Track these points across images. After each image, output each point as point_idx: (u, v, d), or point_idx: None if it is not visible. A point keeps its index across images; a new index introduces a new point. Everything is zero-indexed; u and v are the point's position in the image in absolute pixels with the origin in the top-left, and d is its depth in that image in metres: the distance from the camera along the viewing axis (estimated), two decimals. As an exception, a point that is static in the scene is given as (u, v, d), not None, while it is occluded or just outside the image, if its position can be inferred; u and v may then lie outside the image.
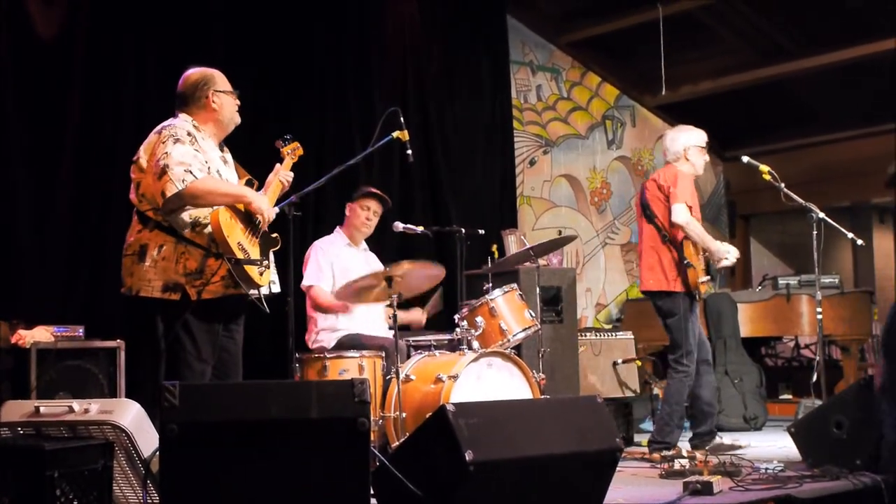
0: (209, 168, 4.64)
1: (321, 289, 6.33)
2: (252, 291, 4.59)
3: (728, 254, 6.49)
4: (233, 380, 4.75)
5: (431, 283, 6.14)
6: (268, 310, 4.62)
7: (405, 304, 6.58)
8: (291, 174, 5.07)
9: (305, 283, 6.40)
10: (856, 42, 9.63)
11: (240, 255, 4.50)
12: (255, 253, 4.61)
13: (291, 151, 5.17)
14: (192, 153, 4.56)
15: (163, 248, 4.55)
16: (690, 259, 6.40)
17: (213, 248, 4.52)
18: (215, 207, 4.53)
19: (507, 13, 9.88)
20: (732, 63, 10.52)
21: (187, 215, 4.54)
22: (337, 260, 6.44)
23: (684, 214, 6.40)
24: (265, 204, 4.70)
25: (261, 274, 4.61)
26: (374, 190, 6.70)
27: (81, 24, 6.75)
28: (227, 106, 4.84)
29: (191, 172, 4.47)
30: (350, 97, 8.24)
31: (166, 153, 4.52)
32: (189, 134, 4.65)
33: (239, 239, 4.55)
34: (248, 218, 4.66)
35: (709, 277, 6.47)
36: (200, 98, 4.79)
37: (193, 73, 4.87)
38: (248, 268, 4.53)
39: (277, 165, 5.07)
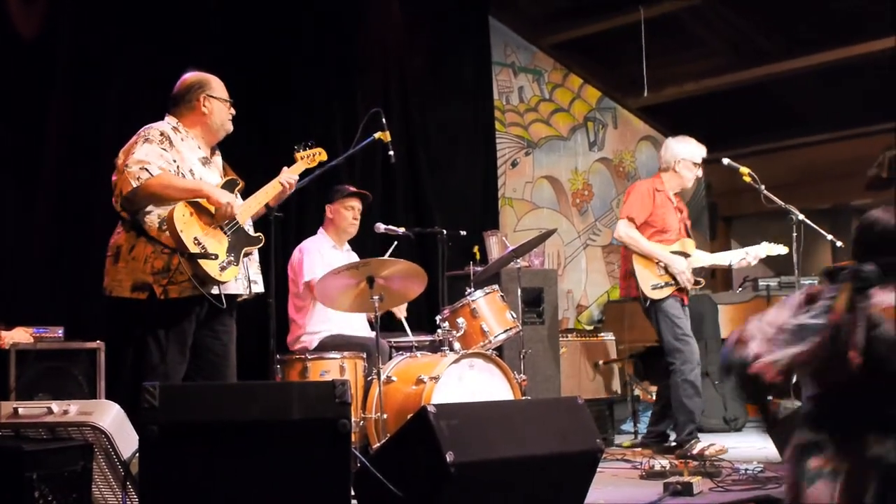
0: (178, 167, 4.67)
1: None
2: (213, 290, 4.60)
3: (683, 270, 6.60)
4: (223, 381, 4.75)
5: (414, 289, 6.09)
6: (223, 305, 4.63)
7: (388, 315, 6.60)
8: (296, 177, 5.09)
9: (307, 277, 6.33)
10: (838, 44, 9.65)
11: (194, 250, 4.51)
12: (215, 249, 4.60)
13: (307, 157, 5.23)
14: (157, 152, 4.61)
15: (134, 248, 4.60)
16: (640, 268, 6.55)
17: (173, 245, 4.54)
18: (175, 203, 4.56)
19: (489, 14, 9.89)
20: (714, 65, 10.53)
21: (155, 214, 4.58)
22: (325, 261, 6.40)
23: (620, 229, 6.72)
24: (225, 197, 4.65)
25: (222, 269, 4.61)
26: (354, 189, 6.69)
27: (64, 23, 6.70)
28: (217, 112, 4.88)
29: (147, 170, 4.53)
30: (332, 98, 8.22)
31: (131, 153, 4.59)
32: (163, 134, 4.70)
33: (196, 234, 4.56)
34: (213, 214, 4.67)
35: (663, 284, 6.56)
36: (191, 101, 4.85)
37: (190, 76, 4.93)
38: (203, 262, 4.53)
39: (284, 168, 5.10)
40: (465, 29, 9.59)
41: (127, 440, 4.19)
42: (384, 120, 5.65)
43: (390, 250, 6.50)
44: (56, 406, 4.26)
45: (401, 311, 6.71)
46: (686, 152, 6.82)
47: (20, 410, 4.27)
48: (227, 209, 4.64)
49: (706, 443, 6.43)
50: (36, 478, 3.80)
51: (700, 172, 6.92)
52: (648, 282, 6.59)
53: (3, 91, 6.43)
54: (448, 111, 9.25)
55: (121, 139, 4.84)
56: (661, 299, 6.60)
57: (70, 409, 4.26)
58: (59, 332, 5.91)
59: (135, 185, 4.51)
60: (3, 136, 6.42)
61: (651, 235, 6.69)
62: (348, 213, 6.61)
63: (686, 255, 6.71)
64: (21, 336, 5.69)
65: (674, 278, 6.61)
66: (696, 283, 6.73)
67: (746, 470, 5.45)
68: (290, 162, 5.17)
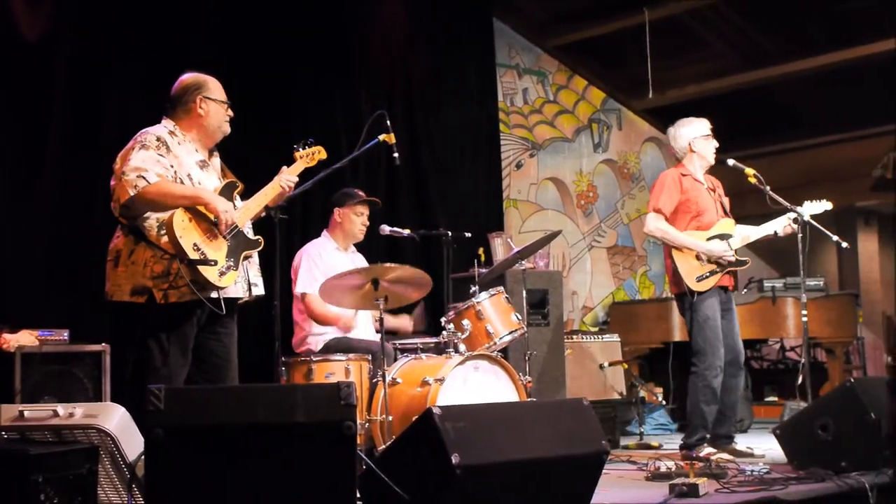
0: (175, 172, 4.62)
1: (317, 298, 6.09)
2: (213, 294, 4.57)
3: (723, 252, 6.44)
4: (226, 383, 4.73)
5: (419, 293, 6.09)
6: (223, 311, 4.57)
7: (392, 312, 6.59)
8: (296, 178, 5.05)
9: (299, 290, 6.36)
10: (842, 46, 9.67)
11: (193, 256, 4.47)
12: (214, 254, 4.56)
13: (307, 155, 5.17)
14: (154, 158, 4.56)
15: (133, 253, 4.56)
16: (680, 261, 6.42)
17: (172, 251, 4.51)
18: (174, 210, 4.52)
19: (494, 16, 9.89)
20: (718, 67, 10.54)
21: (154, 219, 4.54)
22: (327, 264, 6.40)
23: (650, 223, 6.56)
24: (223, 205, 4.61)
25: (221, 275, 4.57)
26: (365, 196, 6.66)
27: (67, 26, 6.71)
28: (214, 114, 4.82)
29: (144, 178, 4.49)
30: (336, 100, 8.23)
31: (128, 160, 4.55)
32: (159, 139, 4.65)
33: (195, 240, 4.53)
34: (212, 220, 4.63)
35: (708, 274, 6.41)
36: (187, 103, 4.79)
37: (187, 77, 4.87)
38: (202, 268, 4.49)
39: (283, 168, 5.05)
40: (469, 30, 9.60)
41: (132, 443, 4.19)
42: (388, 122, 5.65)
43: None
44: (61, 409, 4.26)
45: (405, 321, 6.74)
46: (694, 130, 6.70)
47: (26, 413, 4.28)
48: (227, 217, 4.60)
49: (713, 449, 6.37)
50: (41, 481, 3.79)
51: (716, 143, 6.72)
52: (692, 275, 6.41)
53: (4, 91, 6.43)
54: (452, 113, 9.25)
55: (122, 141, 4.81)
56: (703, 297, 6.41)
57: (75, 412, 4.26)
58: (65, 334, 5.92)
59: (132, 194, 4.47)
60: (3, 136, 6.41)
61: (689, 222, 6.53)
62: (358, 218, 6.59)
63: (727, 235, 6.48)
64: (26, 339, 5.69)
65: (717, 264, 6.42)
66: (741, 262, 6.47)
67: (752, 471, 5.43)
68: (291, 163, 5.13)
